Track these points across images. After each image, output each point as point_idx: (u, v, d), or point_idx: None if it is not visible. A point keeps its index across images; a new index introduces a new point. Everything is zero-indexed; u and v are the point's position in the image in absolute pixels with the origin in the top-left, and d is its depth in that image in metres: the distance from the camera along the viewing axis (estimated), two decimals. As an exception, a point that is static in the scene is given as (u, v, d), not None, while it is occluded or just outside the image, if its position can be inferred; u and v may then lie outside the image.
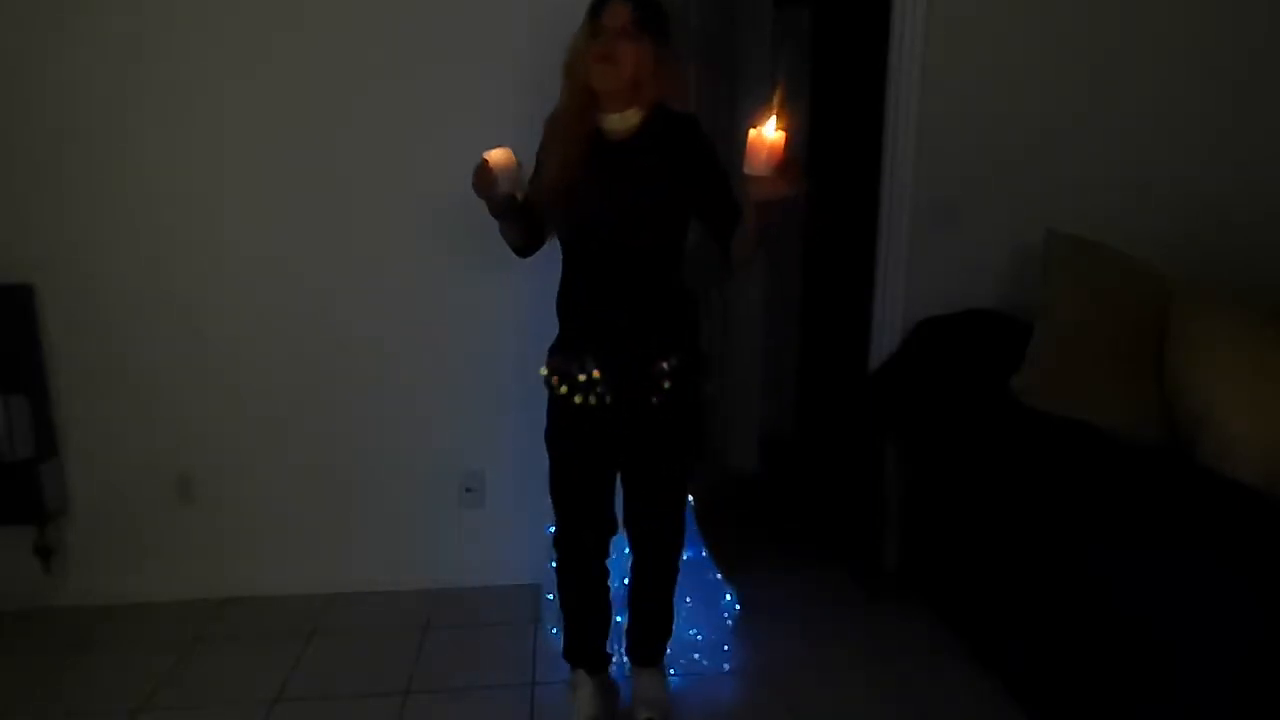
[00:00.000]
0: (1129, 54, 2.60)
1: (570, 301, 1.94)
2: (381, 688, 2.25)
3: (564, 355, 1.93)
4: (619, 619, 2.21)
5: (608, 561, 2.10)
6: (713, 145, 1.88)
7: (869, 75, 2.69)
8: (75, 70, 2.36)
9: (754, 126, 1.57)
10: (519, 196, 1.89)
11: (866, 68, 2.74)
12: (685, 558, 2.15)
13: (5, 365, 2.45)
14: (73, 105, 2.38)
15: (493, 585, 2.72)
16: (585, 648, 2.15)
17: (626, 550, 2.11)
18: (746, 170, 1.60)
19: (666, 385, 1.88)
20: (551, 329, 1.96)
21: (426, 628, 2.53)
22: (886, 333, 2.67)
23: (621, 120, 1.84)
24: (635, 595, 2.13)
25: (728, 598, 2.47)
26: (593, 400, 1.89)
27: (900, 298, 2.65)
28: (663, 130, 1.84)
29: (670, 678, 2.23)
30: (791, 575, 2.81)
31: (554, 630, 2.35)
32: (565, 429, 1.97)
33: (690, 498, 2.38)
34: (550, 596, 2.28)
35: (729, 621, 2.45)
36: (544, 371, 1.96)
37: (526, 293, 2.47)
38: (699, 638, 2.36)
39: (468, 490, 2.70)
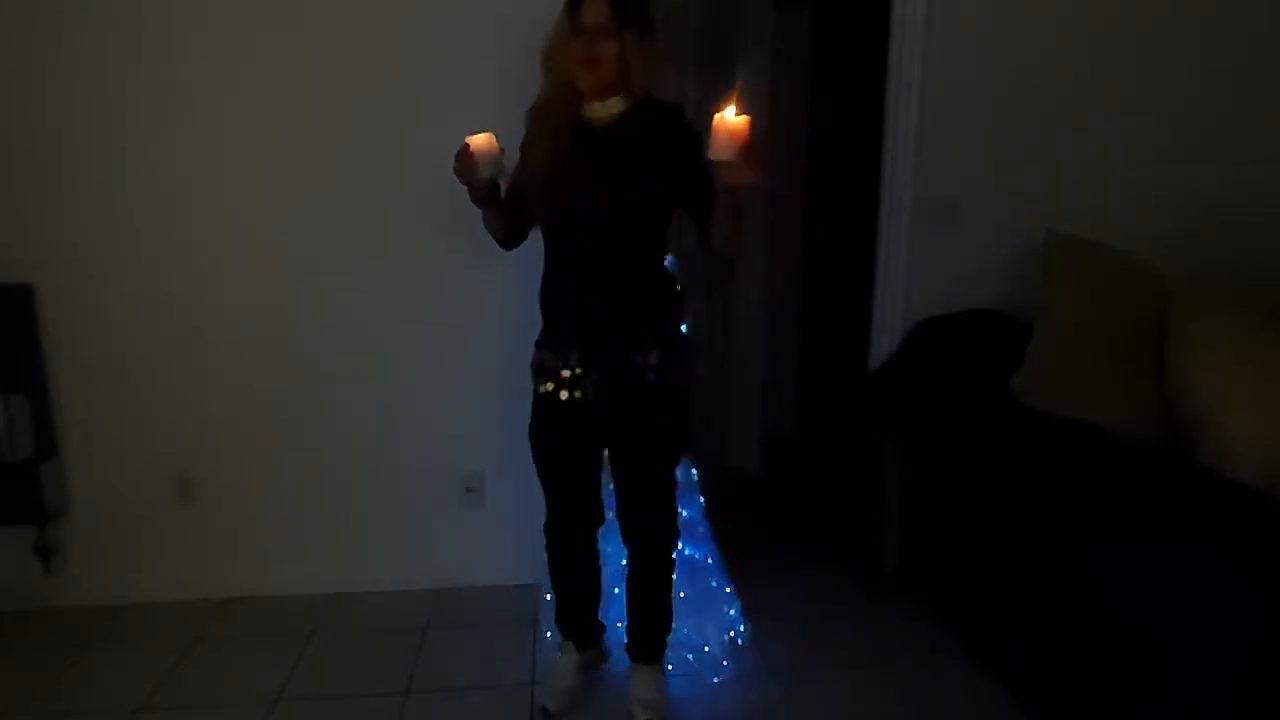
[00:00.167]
0: (1129, 54, 2.60)
1: (554, 294, 1.94)
2: (382, 687, 2.25)
3: (549, 350, 1.93)
4: (616, 589, 2.22)
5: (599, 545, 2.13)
6: (698, 134, 1.83)
7: (869, 75, 2.69)
8: (75, 70, 2.36)
9: (717, 112, 1.59)
10: (501, 183, 1.88)
11: (866, 68, 2.74)
12: (693, 558, 2.15)
13: (5, 365, 2.44)
14: (73, 105, 2.38)
15: (493, 585, 2.72)
16: (574, 620, 2.19)
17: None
18: (711, 155, 1.63)
19: (651, 378, 1.88)
20: (551, 328, 1.97)
21: (427, 628, 2.53)
22: (886, 333, 2.67)
23: (604, 108, 1.84)
24: (632, 593, 2.13)
25: (732, 613, 2.42)
26: (577, 395, 1.89)
27: (900, 298, 2.64)
28: (648, 119, 1.83)
29: (668, 678, 2.22)
30: (791, 575, 2.81)
31: (548, 634, 2.35)
32: (551, 425, 1.97)
33: (701, 499, 2.39)
34: (549, 597, 2.28)
35: (738, 641, 2.40)
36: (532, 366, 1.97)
37: (527, 293, 2.42)
38: (706, 649, 2.34)
39: (468, 490, 2.70)
